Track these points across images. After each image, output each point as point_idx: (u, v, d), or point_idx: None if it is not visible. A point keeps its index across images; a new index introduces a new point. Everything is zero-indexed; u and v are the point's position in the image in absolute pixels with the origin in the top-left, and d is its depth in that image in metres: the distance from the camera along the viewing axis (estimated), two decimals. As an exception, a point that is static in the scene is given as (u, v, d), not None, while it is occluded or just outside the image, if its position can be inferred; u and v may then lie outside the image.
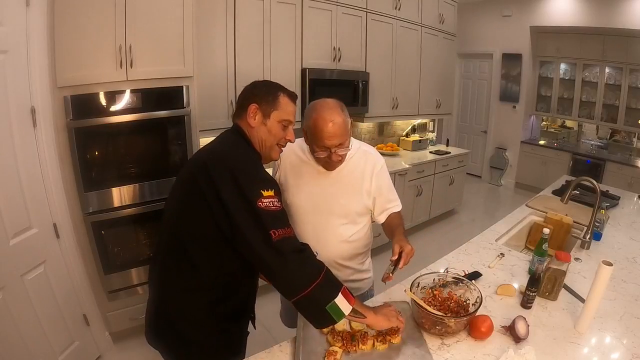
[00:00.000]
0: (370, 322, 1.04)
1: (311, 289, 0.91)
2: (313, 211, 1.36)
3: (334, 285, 0.97)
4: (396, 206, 1.41)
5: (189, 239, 1.04)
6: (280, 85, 1.16)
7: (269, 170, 1.32)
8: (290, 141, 1.18)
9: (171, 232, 1.09)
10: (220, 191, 0.95)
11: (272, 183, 1.02)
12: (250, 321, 1.28)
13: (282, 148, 1.19)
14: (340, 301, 0.94)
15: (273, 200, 0.97)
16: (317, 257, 1.26)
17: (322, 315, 0.94)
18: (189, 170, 1.08)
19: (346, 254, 1.40)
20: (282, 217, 0.99)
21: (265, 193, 0.96)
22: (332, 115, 1.17)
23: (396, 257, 1.19)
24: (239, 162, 1.01)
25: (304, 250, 0.97)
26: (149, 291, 1.18)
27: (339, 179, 1.33)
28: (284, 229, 0.95)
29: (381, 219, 1.40)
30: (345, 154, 1.28)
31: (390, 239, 1.30)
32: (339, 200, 1.34)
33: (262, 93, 1.11)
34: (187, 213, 1.03)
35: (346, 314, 0.95)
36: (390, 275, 1.17)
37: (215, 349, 1.12)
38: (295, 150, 1.39)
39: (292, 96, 1.15)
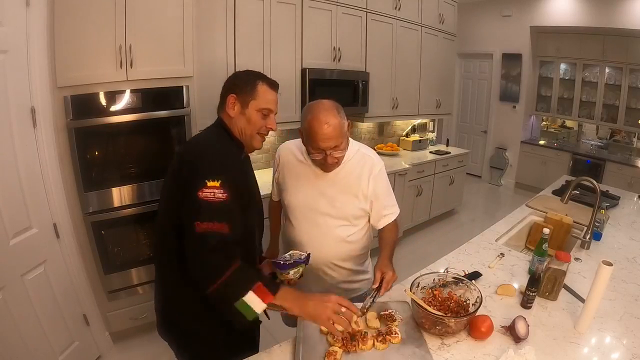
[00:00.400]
0: (297, 314, 1.01)
1: (216, 286, 0.90)
2: (310, 212, 1.36)
3: (244, 284, 0.93)
4: (392, 214, 1.40)
5: (177, 234, 1.03)
6: (260, 73, 1.15)
7: (269, 170, 1.31)
8: (272, 129, 1.17)
9: (163, 230, 1.09)
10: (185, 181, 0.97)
11: (223, 174, 0.97)
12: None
13: (265, 136, 1.18)
14: (251, 299, 0.92)
15: (216, 191, 0.94)
16: (314, 258, 1.25)
17: (232, 311, 0.93)
18: (172, 166, 1.09)
19: (344, 255, 1.40)
20: (221, 209, 0.95)
21: (209, 183, 0.94)
22: (327, 117, 1.17)
23: (377, 285, 1.19)
24: (204, 153, 1.02)
25: (222, 250, 0.93)
26: (155, 289, 1.19)
27: (336, 180, 1.33)
28: (213, 223, 0.92)
29: (378, 226, 1.40)
30: (342, 157, 1.27)
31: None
32: (335, 203, 1.33)
33: (241, 83, 1.11)
34: (172, 207, 1.04)
35: (258, 312, 0.94)
36: (359, 313, 1.14)
37: (219, 343, 1.12)
38: (294, 151, 1.39)
39: (272, 84, 1.14)
